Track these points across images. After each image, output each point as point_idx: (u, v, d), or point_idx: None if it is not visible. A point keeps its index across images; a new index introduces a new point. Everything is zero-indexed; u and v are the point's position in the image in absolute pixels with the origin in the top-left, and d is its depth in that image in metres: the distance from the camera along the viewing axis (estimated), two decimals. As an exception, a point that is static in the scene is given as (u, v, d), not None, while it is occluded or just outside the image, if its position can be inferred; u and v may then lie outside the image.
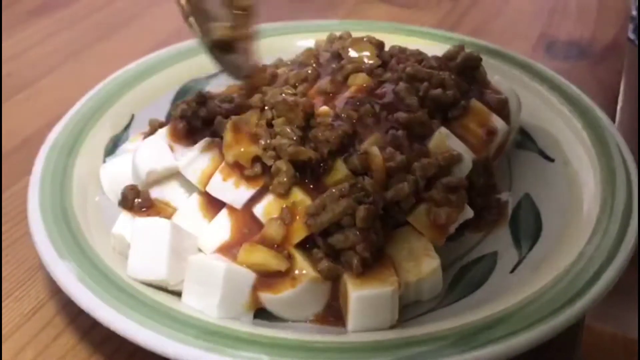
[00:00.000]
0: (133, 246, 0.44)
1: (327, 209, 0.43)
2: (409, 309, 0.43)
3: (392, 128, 0.47)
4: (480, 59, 0.53)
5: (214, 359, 0.37)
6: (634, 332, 0.45)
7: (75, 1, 0.85)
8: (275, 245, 0.43)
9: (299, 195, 0.44)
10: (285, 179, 0.44)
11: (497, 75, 0.56)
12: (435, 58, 0.53)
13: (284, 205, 0.44)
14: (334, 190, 0.43)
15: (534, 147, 0.56)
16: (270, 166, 0.45)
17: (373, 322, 0.41)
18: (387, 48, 0.57)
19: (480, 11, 0.84)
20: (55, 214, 0.46)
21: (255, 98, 0.49)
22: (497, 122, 0.51)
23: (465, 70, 0.53)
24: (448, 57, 0.53)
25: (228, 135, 0.46)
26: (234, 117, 0.47)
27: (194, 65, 0.62)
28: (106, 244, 0.46)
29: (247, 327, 0.41)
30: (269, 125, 0.47)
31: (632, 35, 0.53)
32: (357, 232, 0.42)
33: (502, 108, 0.52)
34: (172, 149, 0.50)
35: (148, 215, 0.48)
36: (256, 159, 0.45)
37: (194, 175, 0.47)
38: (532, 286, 0.42)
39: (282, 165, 0.44)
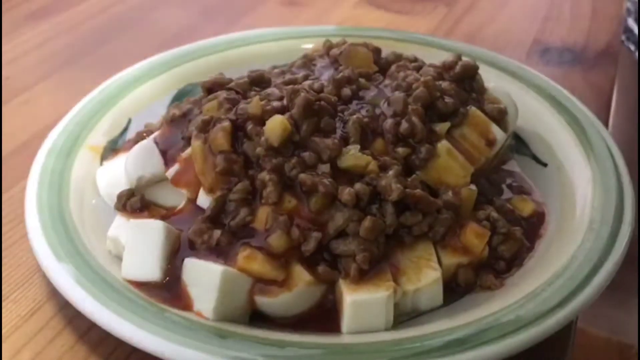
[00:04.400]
0: (127, 247, 0.44)
1: (335, 218, 0.43)
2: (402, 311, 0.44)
3: (393, 140, 0.47)
4: (477, 67, 0.53)
5: (209, 360, 0.37)
6: (629, 337, 0.45)
7: (73, 6, 0.86)
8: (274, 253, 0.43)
9: (292, 202, 0.44)
10: (272, 188, 0.44)
11: (492, 82, 0.56)
12: (433, 66, 0.53)
13: (280, 214, 0.43)
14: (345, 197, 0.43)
15: (528, 151, 0.56)
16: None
17: (367, 325, 0.42)
18: (383, 54, 0.58)
19: (475, 17, 0.84)
20: (52, 216, 0.46)
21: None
22: (497, 131, 0.51)
23: (464, 79, 0.53)
24: (446, 67, 0.53)
25: (198, 163, 0.46)
26: (199, 137, 0.46)
27: (190, 70, 0.63)
28: (103, 247, 0.46)
29: (242, 328, 0.41)
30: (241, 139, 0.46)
31: (632, 47, 0.53)
32: (359, 242, 0.42)
33: (501, 118, 0.52)
34: (163, 153, 0.50)
35: (142, 217, 0.48)
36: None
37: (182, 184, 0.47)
38: (523, 289, 0.42)
39: (265, 175, 0.44)
